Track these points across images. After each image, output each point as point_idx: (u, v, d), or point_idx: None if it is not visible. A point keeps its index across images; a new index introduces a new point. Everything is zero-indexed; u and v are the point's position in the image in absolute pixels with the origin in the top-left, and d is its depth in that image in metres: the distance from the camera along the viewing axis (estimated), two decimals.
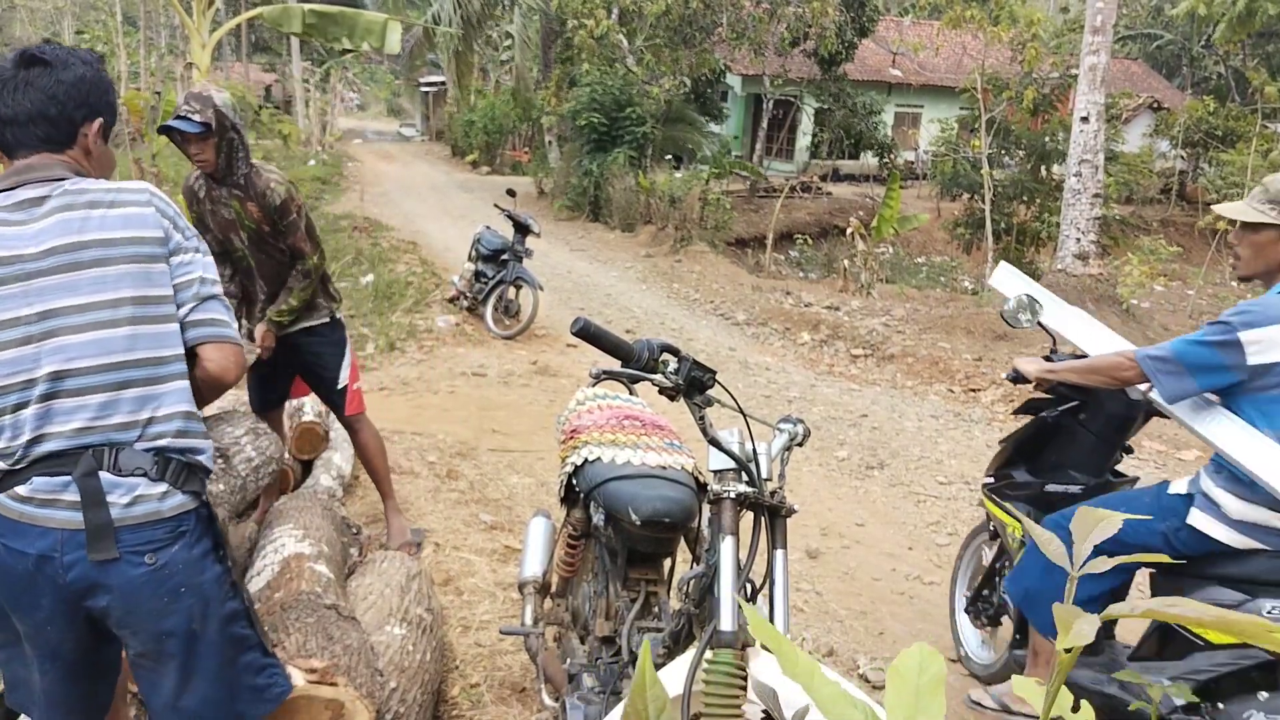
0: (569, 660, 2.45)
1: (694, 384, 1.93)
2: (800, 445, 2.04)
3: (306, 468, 4.33)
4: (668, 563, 2.45)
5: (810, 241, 16.32)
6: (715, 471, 1.90)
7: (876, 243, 13.57)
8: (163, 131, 3.16)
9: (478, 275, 8.55)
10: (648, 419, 2.61)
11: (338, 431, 4.57)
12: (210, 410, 3.12)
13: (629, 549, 2.31)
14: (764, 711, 1.65)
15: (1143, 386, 2.54)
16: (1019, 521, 2.89)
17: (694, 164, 18.43)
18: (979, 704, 2.94)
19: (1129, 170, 16.36)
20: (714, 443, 1.87)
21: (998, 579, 3.14)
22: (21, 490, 1.65)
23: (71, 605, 1.69)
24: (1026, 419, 3.04)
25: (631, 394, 2.89)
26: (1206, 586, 2.34)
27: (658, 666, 1.93)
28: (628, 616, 2.22)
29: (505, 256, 8.30)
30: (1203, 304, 13.21)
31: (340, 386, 3.71)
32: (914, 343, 8.64)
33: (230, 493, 3.00)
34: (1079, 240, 10.00)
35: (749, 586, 1.99)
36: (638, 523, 2.13)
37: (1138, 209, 19.57)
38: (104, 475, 1.66)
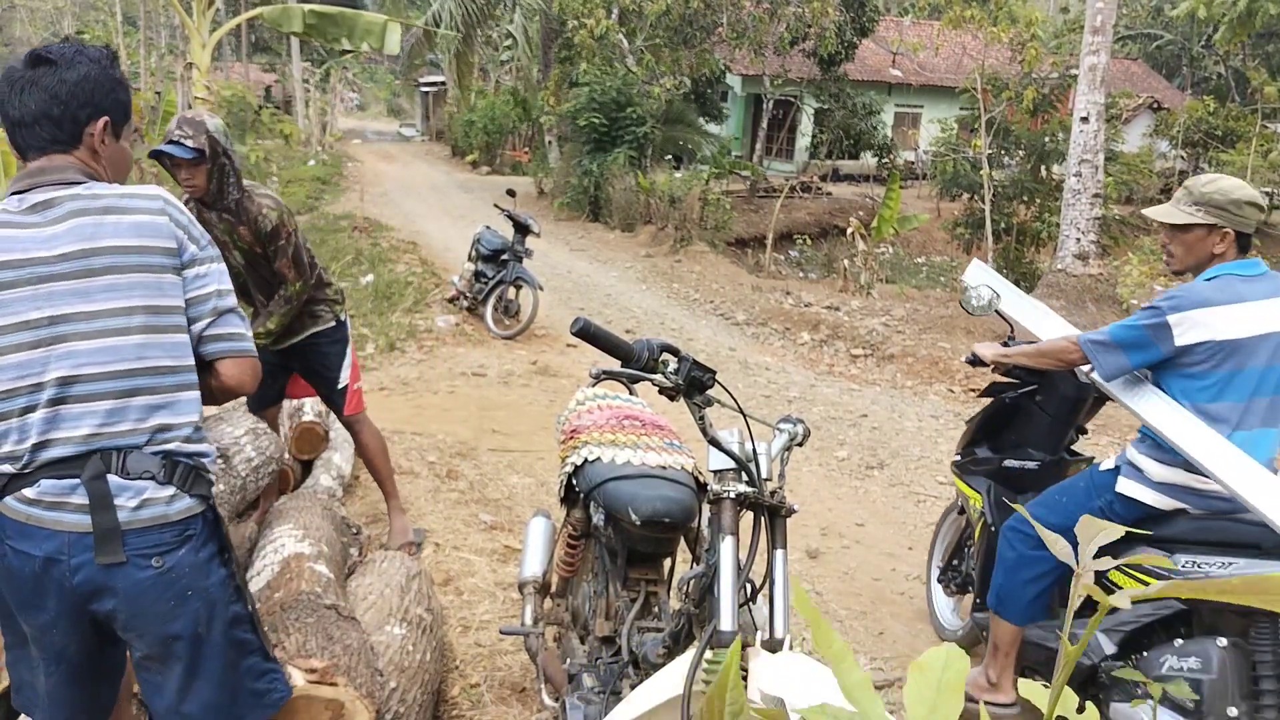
0: (569, 660, 2.45)
1: (694, 384, 1.93)
2: (800, 445, 2.04)
3: (306, 468, 4.33)
4: (668, 563, 2.45)
5: (810, 241, 16.32)
6: (715, 471, 1.90)
7: (876, 243, 13.57)
8: (154, 156, 3.14)
9: (478, 275, 8.55)
10: (648, 419, 2.61)
11: (338, 431, 4.57)
12: (209, 410, 3.13)
13: (629, 549, 2.31)
14: None
15: (1085, 368, 2.72)
16: (979, 495, 3.17)
17: (694, 164, 18.43)
18: None
19: (1129, 170, 16.35)
20: (714, 443, 1.87)
21: (966, 550, 3.37)
22: (29, 493, 1.64)
23: (77, 608, 1.68)
24: (990, 401, 3.29)
25: (631, 394, 2.89)
26: (1135, 548, 2.53)
27: (657, 667, 1.93)
28: (628, 616, 2.22)
29: (505, 256, 8.29)
30: None
31: (340, 386, 3.70)
32: (914, 343, 8.64)
33: (230, 493, 3.00)
34: (1079, 240, 10.00)
35: (749, 586, 1.99)
36: (638, 523, 2.13)
37: (1138, 209, 19.53)
38: (112, 478, 1.65)
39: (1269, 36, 21.07)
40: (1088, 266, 9.91)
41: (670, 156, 18.30)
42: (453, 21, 22.54)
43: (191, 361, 1.77)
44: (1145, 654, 2.52)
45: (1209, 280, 2.50)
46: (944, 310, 10.15)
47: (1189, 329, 2.43)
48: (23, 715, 1.98)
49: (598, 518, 2.33)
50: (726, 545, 1.81)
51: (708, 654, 1.68)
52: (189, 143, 3.05)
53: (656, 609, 2.30)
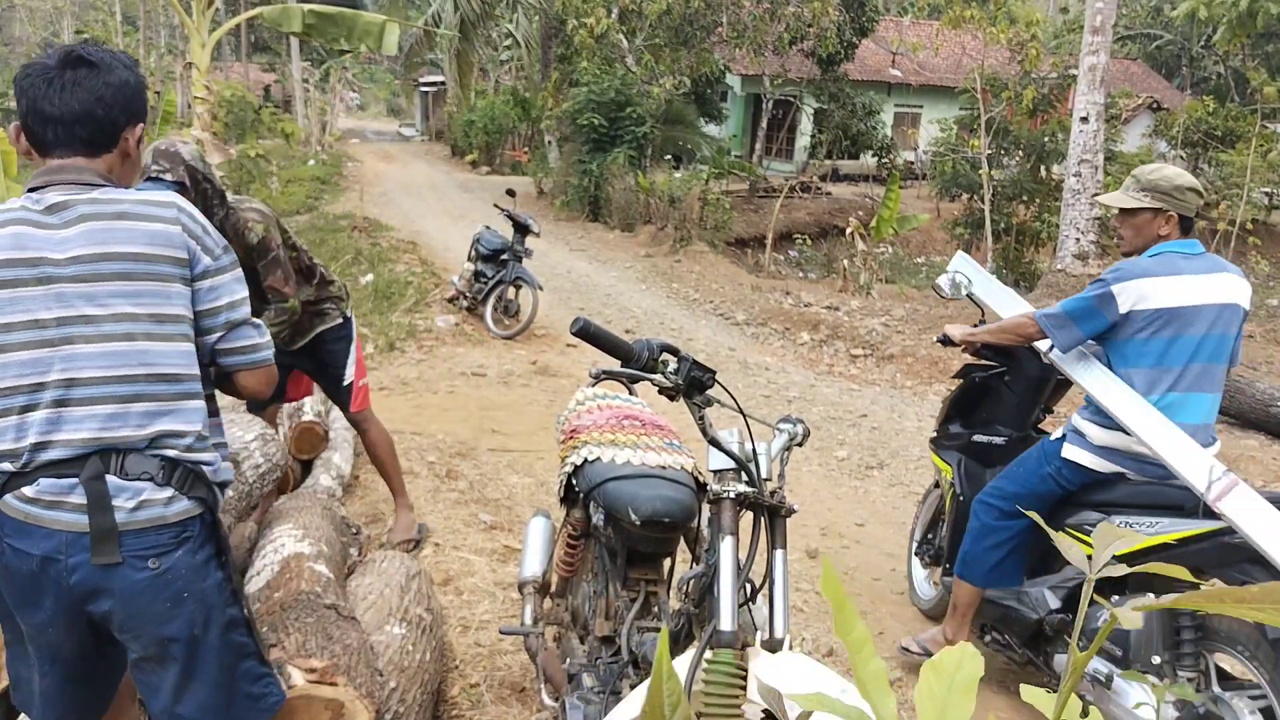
0: (569, 660, 2.45)
1: (694, 384, 1.93)
2: (800, 445, 2.04)
3: (306, 467, 4.33)
4: (668, 563, 2.45)
5: (810, 241, 16.31)
6: (715, 471, 1.90)
7: (876, 243, 13.57)
8: None
9: (477, 275, 8.55)
10: (647, 419, 2.61)
11: (338, 431, 4.57)
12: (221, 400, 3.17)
13: (629, 549, 2.30)
14: (764, 711, 1.65)
15: (1044, 344, 2.98)
16: (951, 468, 3.44)
17: (693, 164, 18.42)
18: (907, 649, 3.34)
19: (1128, 170, 16.32)
20: (714, 443, 1.87)
21: (940, 523, 3.61)
22: (28, 491, 1.65)
23: (74, 608, 1.69)
24: (961, 381, 3.55)
25: (631, 394, 2.89)
26: (1079, 512, 2.86)
27: None
28: (627, 616, 2.22)
29: (505, 256, 8.29)
30: None
31: (346, 383, 3.70)
32: (913, 343, 8.64)
33: (239, 499, 3.01)
34: (1079, 240, 10.00)
35: (749, 586, 1.99)
36: (637, 522, 2.13)
37: None
38: (110, 479, 1.66)
39: (1269, 36, 21.05)
40: (1087, 266, 9.91)
41: (670, 156, 18.29)
42: (454, 20, 22.53)
43: (196, 371, 1.77)
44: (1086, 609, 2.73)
45: (1152, 256, 2.76)
46: (943, 310, 10.15)
47: (1131, 298, 2.69)
48: (22, 716, 1.98)
49: (597, 518, 2.33)
50: (726, 545, 1.81)
51: (708, 654, 1.68)
52: (168, 176, 2.99)
53: (656, 609, 2.30)
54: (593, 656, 2.33)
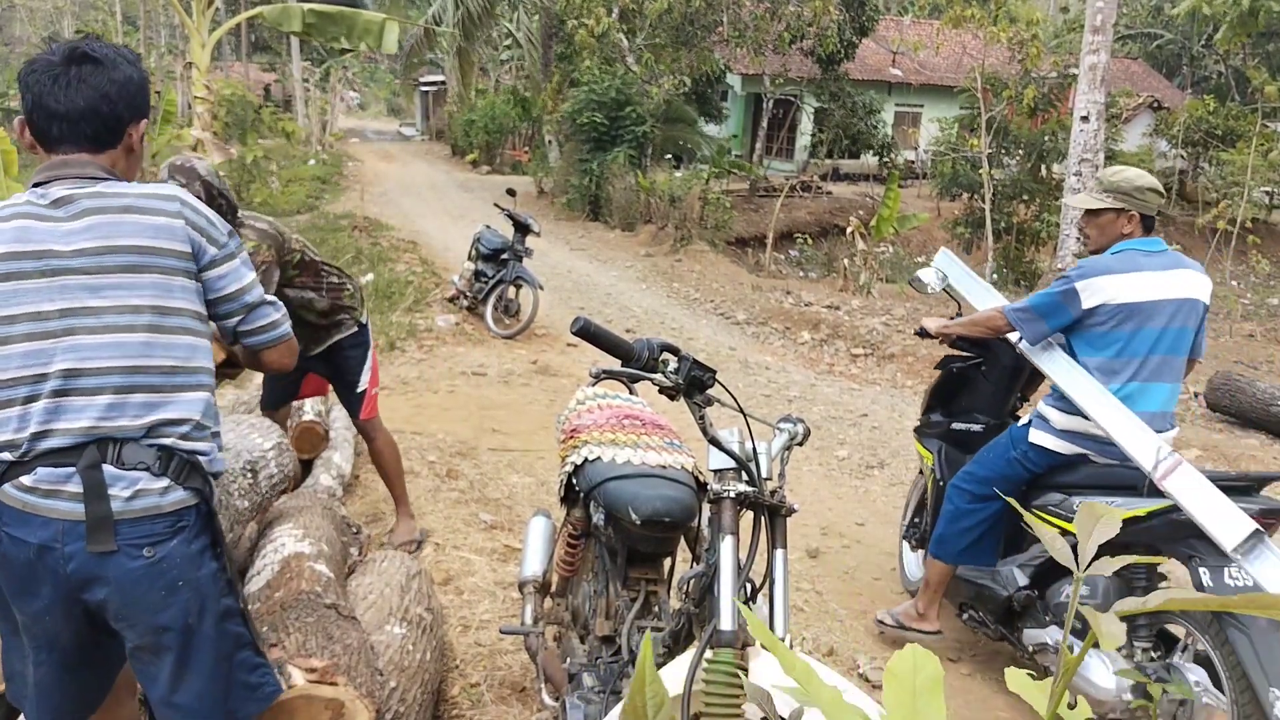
0: (569, 660, 2.45)
1: (694, 383, 1.93)
2: (800, 445, 2.04)
3: (306, 467, 4.33)
4: (668, 562, 2.45)
5: (810, 241, 16.30)
6: (715, 471, 1.89)
7: (876, 242, 13.57)
8: None
9: (478, 275, 8.55)
10: (648, 418, 2.61)
11: (338, 431, 4.57)
12: (241, 417, 3.22)
13: (629, 548, 2.31)
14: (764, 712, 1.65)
15: (1014, 336, 3.12)
16: (931, 455, 3.60)
17: (694, 163, 18.41)
18: (882, 623, 3.48)
19: None
20: (714, 442, 1.87)
21: (926, 508, 3.71)
22: (26, 480, 1.66)
23: (70, 596, 1.70)
24: (941, 371, 3.69)
25: (631, 393, 2.89)
26: (1045, 494, 3.00)
27: (658, 666, 1.93)
28: (628, 616, 2.22)
29: (505, 256, 8.29)
30: None
31: (360, 391, 3.71)
32: (914, 342, 8.64)
33: (253, 510, 3.02)
34: (1079, 240, 9.99)
35: (749, 586, 1.99)
36: (638, 522, 2.13)
37: None
38: (107, 468, 1.67)
39: (1270, 35, 21.04)
40: None
41: (670, 156, 18.28)
42: (454, 19, 22.53)
43: (196, 364, 1.79)
44: (1050, 586, 3.01)
45: (1114, 254, 2.89)
46: (943, 310, 10.15)
47: (1093, 294, 2.83)
48: (23, 716, 1.98)
49: (598, 517, 2.33)
50: (726, 545, 1.81)
51: (708, 654, 1.68)
52: None
53: (656, 608, 2.30)
54: (593, 656, 2.33)
